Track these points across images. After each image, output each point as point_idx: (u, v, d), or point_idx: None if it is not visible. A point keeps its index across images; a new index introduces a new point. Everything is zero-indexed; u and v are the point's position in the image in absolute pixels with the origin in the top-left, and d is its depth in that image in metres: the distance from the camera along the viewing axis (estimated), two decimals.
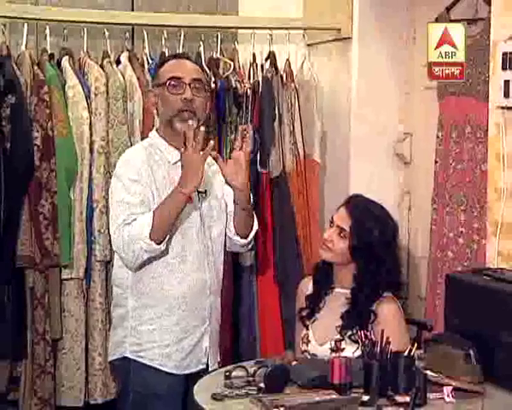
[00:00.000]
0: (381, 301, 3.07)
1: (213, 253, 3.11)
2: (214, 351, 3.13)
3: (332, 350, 3.02)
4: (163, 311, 3.01)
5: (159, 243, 2.91)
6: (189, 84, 3.02)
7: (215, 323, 3.14)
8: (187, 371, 3.05)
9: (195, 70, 3.11)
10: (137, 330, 3.02)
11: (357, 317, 3.04)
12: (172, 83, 3.03)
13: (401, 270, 3.27)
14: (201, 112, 3.06)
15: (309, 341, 3.13)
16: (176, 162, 3.00)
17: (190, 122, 3.00)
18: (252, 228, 3.20)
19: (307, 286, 3.26)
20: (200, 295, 3.05)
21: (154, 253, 2.94)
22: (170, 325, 3.02)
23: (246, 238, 3.19)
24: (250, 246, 3.32)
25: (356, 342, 2.99)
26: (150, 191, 2.98)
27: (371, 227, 3.09)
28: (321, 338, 3.10)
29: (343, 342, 3.03)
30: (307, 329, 3.16)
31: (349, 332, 3.03)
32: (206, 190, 3.08)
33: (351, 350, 3.00)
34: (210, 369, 3.07)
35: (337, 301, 3.14)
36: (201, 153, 2.89)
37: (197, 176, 2.89)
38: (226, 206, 3.17)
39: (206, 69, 4.01)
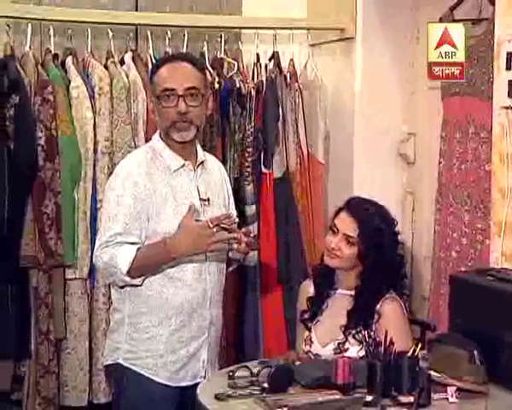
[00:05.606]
0: (384, 300, 3.07)
1: (216, 263, 3.03)
2: (213, 365, 3.05)
3: (335, 352, 3.02)
4: (159, 320, 2.94)
5: (134, 278, 2.89)
6: (183, 96, 2.92)
7: (215, 336, 3.06)
8: (181, 384, 2.97)
9: (189, 76, 2.97)
10: (132, 337, 2.96)
11: (361, 316, 3.04)
12: (165, 95, 2.94)
13: (404, 267, 3.26)
14: (199, 119, 2.99)
15: (312, 342, 3.12)
16: (176, 170, 2.98)
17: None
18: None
19: (309, 288, 3.24)
20: (199, 306, 2.97)
21: (128, 284, 2.91)
22: (166, 334, 2.95)
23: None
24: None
25: (360, 342, 2.99)
26: (148, 204, 2.91)
27: (379, 227, 3.08)
28: (323, 340, 3.09)
29: (347, 343, 3.03)
30: (309, 331, 3.15)
31: (353, 331, 3.02)
32: (209, 198, 3.03)
33: (354, 350, 3.00)
34: None
35: (340, 302, 3.13)
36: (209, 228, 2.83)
37: (192, 247, 2.85)
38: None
39: (210, 69, 4.01)
